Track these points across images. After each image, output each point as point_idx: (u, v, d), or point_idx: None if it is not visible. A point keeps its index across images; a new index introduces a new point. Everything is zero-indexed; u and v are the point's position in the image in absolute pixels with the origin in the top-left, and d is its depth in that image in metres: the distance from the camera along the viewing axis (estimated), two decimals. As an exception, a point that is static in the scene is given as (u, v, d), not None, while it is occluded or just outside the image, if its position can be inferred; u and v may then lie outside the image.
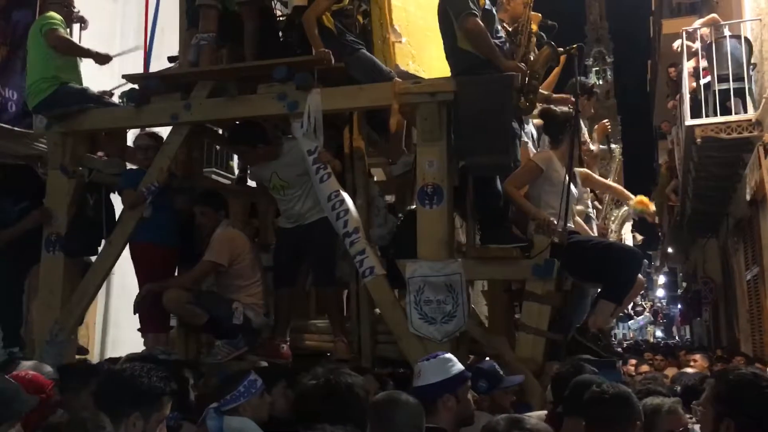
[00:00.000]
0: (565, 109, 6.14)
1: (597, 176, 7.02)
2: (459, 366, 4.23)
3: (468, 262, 5.64)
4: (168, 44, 7.73)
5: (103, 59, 6.85)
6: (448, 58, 5.91)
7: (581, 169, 6.48)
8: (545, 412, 4.45)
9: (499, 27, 5.96)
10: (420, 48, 6.62)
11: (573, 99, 6.36)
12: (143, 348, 6.87)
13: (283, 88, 6.01)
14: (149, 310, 6.22)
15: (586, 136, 6.81)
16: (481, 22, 5.61)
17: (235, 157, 8.26)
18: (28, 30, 6.97)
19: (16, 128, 8.10)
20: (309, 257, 6.28)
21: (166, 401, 3.49)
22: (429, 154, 5.73)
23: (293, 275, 6.36)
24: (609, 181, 7.33)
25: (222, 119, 6.59)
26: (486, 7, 5.78)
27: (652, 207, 6.95)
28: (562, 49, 6.00)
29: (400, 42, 6.49)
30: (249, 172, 7.40)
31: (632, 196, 6.83)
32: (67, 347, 6.23)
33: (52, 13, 6.56)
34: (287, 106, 5.99)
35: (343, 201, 5.89)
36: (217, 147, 9.56)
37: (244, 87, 6.25)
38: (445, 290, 5.53)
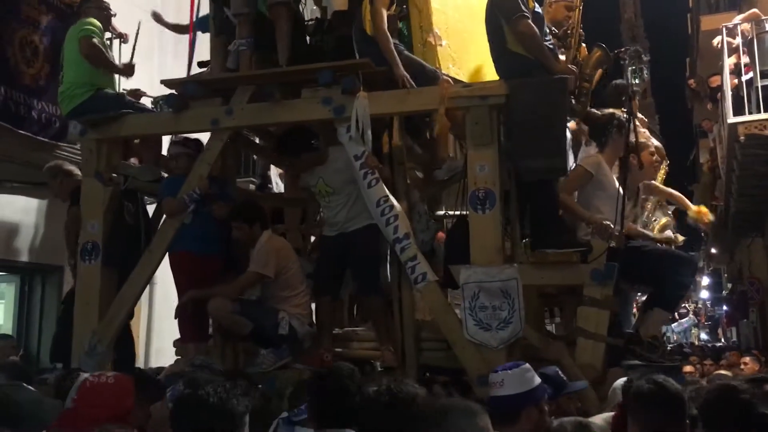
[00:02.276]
0: (608, 111, 6.05)
1: (660, 185, 6.94)
2: (536, 376, 4.15)
3: (524, 267, 5.54)
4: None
5: (128, 72, 6.69)
6: (496, 61, 5.82)
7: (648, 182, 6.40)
8: (611, 414, 4.34)
9: (547, 30, 5.85)
10: (459, 51, 6.53)
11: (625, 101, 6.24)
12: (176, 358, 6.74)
13: (329, 93, 5.89)
14: (190, 318, 6.07)
15: (648, 135, 6.70)
16: (533, 24, 5.51)
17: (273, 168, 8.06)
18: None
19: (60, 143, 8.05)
20: (352, 265, 6.15)
21: (247, 419, 3.36)
22: (480, 159, 5.63)
23: (336, 284, 6.25)
24: (672, 190, 7.23)
25: (265, 124, 6.43)
26: (536, 9, 5.69)
27: (709, 218, 6.88)
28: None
29: (441, 45, 6.37)
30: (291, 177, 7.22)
31: (692, 205, 6.76)
32: (106, 359, 6.04)
33: (92, 20, 6.41)
34: (333, 110, 5.85)
35: (392, 206, 5.77)
36: (254, 156, 9.29)
37: (283, 91, 6.08)
38: (500, 296, 5.42)
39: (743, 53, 10.68)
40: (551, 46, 5.73)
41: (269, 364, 5.87)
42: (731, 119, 10.36)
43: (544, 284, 5.86)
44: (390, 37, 5.92)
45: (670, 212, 7.23)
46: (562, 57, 5.90)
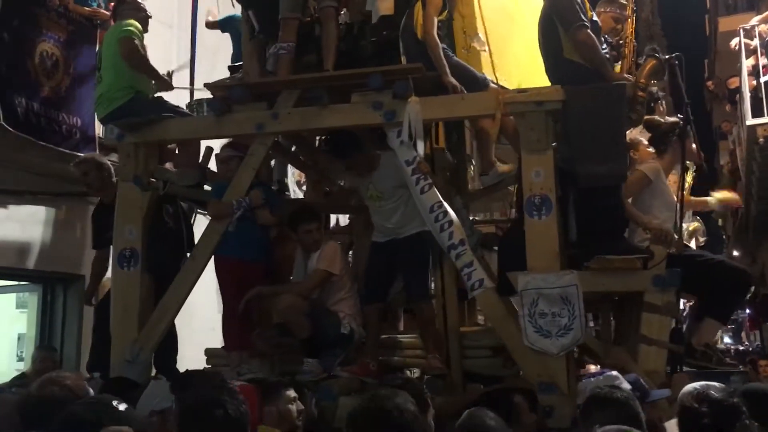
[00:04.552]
0: (671, 119, 5.60)
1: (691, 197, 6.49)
2: (627, 384, 3.67)
3: (584, 273, 5.00)
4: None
5: (166, 85, 6.07)
6: (550, 68, 5.33)
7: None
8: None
9: (602, 39, 5.38)
10: (501, 57, 6.01)
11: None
12: (206, 365, 6.10)
13: (379, 97, 5.29)
14: (238, 325, 5.42)
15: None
16: (593, 34, 5.04)
17: (290, 173, 7.42)
18: (90, 60, 6.17)
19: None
20: (404, 271, 5.55)
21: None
22: (536, 164, 5.09)
23: (385, 290, 5.65)
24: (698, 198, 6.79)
25: (312, 129, 5.82)
26: (593, 18, 5.21)
27: (732, 195, 6.40)
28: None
29: (484, 51, 5.87)
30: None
31: (714, 193, 6.30)
32: (149, 367, 5.37)
33: (132, 21, 5.75)
34: (384, 115, 5.27)
35: (446, 212, 5.20)
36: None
37: (329, 96, 5.46)
38: (560, 302, 4.89)
39: (761, 55, 10.07)
40: (607, 56, 5.27)
41: (318, 373, 5.28)
42: (750, 121, 9.66)
43: (605, 291, 5.32)
44: (439, 42, 5.40)
45: (698, 217, 6.79)
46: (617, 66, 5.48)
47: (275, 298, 5.37)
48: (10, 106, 7.00)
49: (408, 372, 5.83)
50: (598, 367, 5.91)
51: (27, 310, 8.85)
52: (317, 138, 6.81)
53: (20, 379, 6.15)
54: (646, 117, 5.71)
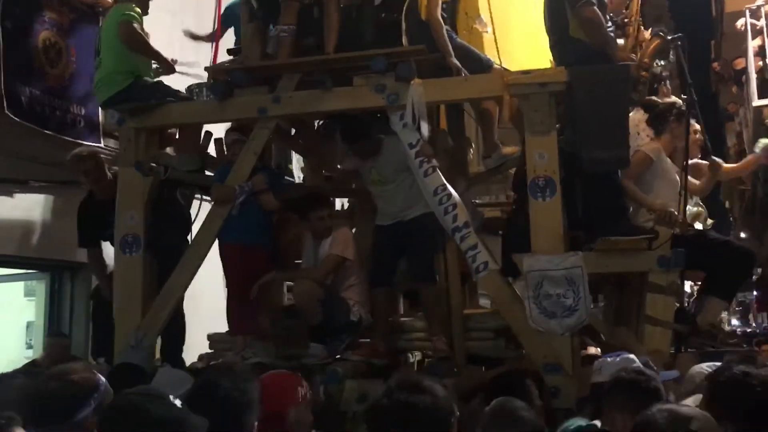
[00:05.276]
0: (669, 100, 5.40)
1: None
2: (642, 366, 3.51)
3: (588, 254, 4.82)
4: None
5: (168, 68, 5.85)
6: (554, 46, 5.13)
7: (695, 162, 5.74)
8: (696, 397, 3.65)
9: (607, 17, 5.18)
10: (503, 38, 5.78)
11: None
12: (209, 350, 5.94)
13: (382, 80, 5.10)
14: (244, 309, 5.24)
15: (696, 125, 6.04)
16: (599, 11, 4.83)
17: (295, 159, 7.21)
18: (93, 48, 5.96)
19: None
20: (409, 253, 5.36)
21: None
22: (539, 146, 4.91)
23: (392, 274, 5.44)
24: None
25: (314, 112, 5.62)
26: None
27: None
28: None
29: (486, 32, 5.67)
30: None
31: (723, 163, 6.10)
32: (153, 353, 5.20)
33: (131, 5, 5.52)
34: (387, 98, 5.07)
35: (450, 195, 5.02)
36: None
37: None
38: (565, 284, 4.73)
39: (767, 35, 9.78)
40: (611, 35, 5.07)
41: (324, 356, 5.12)
42: (756, 102, 9.51)
43: (609, 272, 5.14)
44: (443, 24, 5.20)
45: (701, 203, 6.58)
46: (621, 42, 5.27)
47: (288, 282, 5.20)
48: (14, 95, 6.77)
49: (410, 355, 5.70)
50: (599, 348, 5.75)
51: (35, 298, 8.66)
52: (316, 122, 6.61)
53: (32, 366, 5.99)
54: (646, 97, 5.53)
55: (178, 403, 2.35)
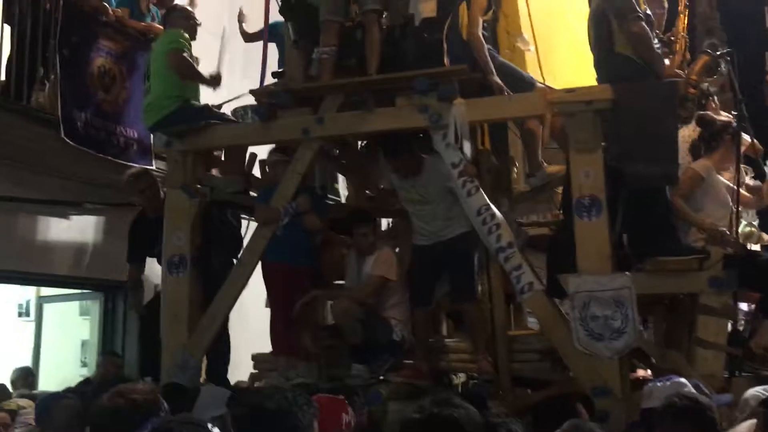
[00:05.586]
0: (724, 117, 5.20)
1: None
2: (691, 389, 3.33)
3: (637, 275, 4.64)
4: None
5: (216, 82, 5.85)
6: (600, 62, 4.98)
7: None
8: (750, 423, 3.46)
9: (654, 34, 5.03)
10: (546, 57, 5.65)
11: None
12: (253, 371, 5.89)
13: (425, 100, 5.01)
14: (287, 330, 5.18)
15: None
16: (647, 27, 4.69)
17: (341, 179, 7.16)
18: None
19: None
20: (450, 272, 5.23)
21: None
22: (585, 165, 4.76)
23: (431, 294, 5.31)
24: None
25: (358, 133, 5.57)
26: (647, 11, 4.85)
27: None
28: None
29: (529, 50, 5.54)
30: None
31: None
32: (199, 373, 5.16)
33: (181, 32, 5.58)
34: (430, 118, 4.98)
35: (494, 215, 4.89)
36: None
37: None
38: (612, 305, 4.55)
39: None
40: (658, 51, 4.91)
41: (368, 377, 5.03)
42: None
43: (659, 293, 4.95)
44: (485, 43, 5.10)
45: (755, 223, 6.33)
46: (667, 62, 5.09)
47: (329, 301, 5.15)
48: (71, 121, 6.87)
49: (453, 377, 5.56)
50: (648, 371, 5.53)
51: (89, 317, 8.77)
52: (359, 142, 6.55)
53: (85, 385, 6.04)
54: (699, 113, 5.33)
55: (216, 431, 2.30)
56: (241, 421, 2.73)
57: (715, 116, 5.22)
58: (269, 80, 6.21)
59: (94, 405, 3.14)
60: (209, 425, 2.41)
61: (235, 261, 5.60)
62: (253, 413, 2.74)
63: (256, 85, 5.89)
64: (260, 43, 6.79)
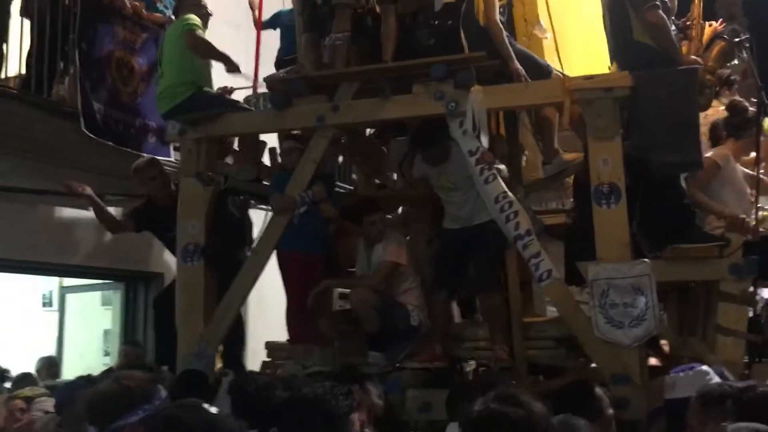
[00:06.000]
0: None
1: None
2: (717, 380, 3.20)
3: (657, 262, 4.50)
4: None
5: (234, 66, 5.74)
6: (618, 50, 4.85)
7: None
8: None
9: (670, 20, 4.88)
10: (562, 44, 5.52)
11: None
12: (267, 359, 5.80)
13: (441, 87, 4.87)
14: (303, 318, 5.08)
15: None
16: (664, 15, 4.54)
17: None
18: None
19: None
20: (475, 259, 5.08)
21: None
22: (603, 153, 4.62)
23: (455, 279, 5.17)
24: None
25: (373, 121, 5.45)
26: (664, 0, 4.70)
27: None
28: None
29: (546, 38, 5.41)
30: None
31: None
32: (214, 361, 5.08)
33: (192, 15, 5.46)
34: (447, 105, 4.85)
35: (512, 203, 4.76)
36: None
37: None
38: (632, 293, 4.41)
39: None
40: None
41: (385, 365, 4.93)
42: None
43: (679, 280, 4.81)
44: (503, 28, 4.97)
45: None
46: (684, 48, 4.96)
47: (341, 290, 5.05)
48: (90, 114, 6.84)
49: (467, 363, 5.44)
50: (659, 359, 5.38)
51: (111, 307, 8.81)
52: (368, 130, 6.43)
53: (108, 374, 6.00)
54: (733, 100, 5.18)
55: (213, 410, 2.30)
56: (279, 407, 2.80)
57: (748, 104, 5.06)
58: (265, 71, 6.13)
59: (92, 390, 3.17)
60: (213, 408, 2.36)
61: (233, 252, 5.51)
62: (289, 399, 2.75)
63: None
64: (271, 32, 6.72)
